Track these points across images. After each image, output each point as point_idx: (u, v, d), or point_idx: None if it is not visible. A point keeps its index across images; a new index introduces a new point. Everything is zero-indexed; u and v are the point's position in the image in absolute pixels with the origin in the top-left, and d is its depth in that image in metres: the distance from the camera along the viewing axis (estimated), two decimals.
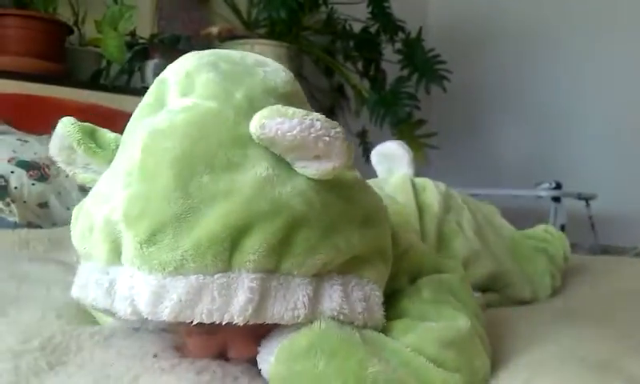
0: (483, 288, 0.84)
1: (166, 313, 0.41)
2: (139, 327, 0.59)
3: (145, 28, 2.32)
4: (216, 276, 0.41)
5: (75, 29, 2.07)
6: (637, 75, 2.67)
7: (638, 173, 2.65)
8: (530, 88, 2.97)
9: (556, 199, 2.45)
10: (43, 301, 0.65)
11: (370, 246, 0.49)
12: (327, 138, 0.43)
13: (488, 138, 3.12)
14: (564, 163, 2.83)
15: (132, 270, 0.43)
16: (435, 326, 0.48)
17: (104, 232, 0.45)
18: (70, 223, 0.52)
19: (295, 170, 0.45)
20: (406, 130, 2.34)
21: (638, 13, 2.62)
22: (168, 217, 0.42)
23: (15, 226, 1.16)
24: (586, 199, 2.53)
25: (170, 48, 2.27)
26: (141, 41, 2.24)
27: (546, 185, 2.51)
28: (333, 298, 0.45)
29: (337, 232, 0.46)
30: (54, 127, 0.53)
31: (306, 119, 0.42)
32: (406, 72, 2.50)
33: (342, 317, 0.45)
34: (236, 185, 0.43)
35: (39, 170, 1.36)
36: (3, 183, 1.26)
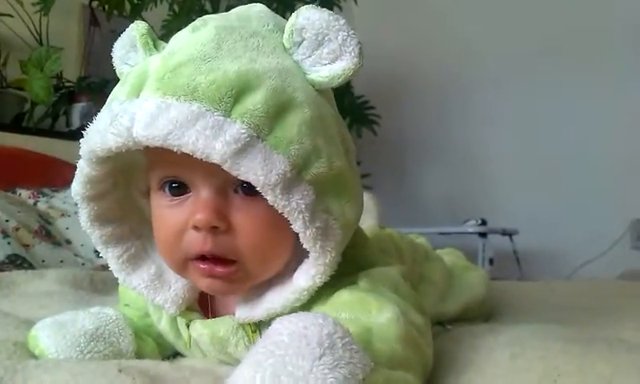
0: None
1: (159, 129, 0.44)
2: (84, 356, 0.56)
3: (71, 71, 2.26)
4: (216, 113, 0.44)
5: None
6: (550, 117, 2.88)
7: (557, 209, 2.82)
8: (455, 132, 3.12)
9: (482, 235, 2.56)
10: None
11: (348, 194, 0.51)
12: (346, 33, 0.49)
13: (416, 180, 3.24)
14: (488, 202, 2.97)
15: (146, 96, 0.46)
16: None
17: (136, 72, 0.50)
18: None
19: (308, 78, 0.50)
20: None
21: (541, 61, 2.85)
22: (195, 55, 0.47)
23: None
24: (510, 234, 2.66)
25: (98, 92, 2.21)
26: (67, 84, 2.17)
27: (473, 222, 2.62)
28: (304, 197, 0.47)
29: (326, 137, 0.49)
30: None
31: (332, 14, 0.49)
32: None
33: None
34: (259, 58, 0.49)
35: None
36: None
